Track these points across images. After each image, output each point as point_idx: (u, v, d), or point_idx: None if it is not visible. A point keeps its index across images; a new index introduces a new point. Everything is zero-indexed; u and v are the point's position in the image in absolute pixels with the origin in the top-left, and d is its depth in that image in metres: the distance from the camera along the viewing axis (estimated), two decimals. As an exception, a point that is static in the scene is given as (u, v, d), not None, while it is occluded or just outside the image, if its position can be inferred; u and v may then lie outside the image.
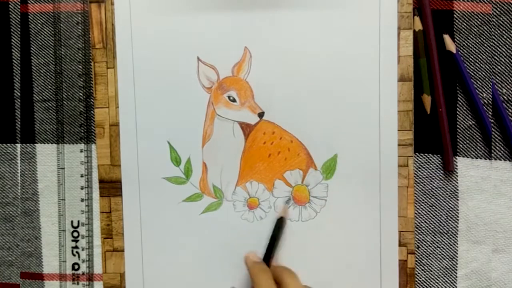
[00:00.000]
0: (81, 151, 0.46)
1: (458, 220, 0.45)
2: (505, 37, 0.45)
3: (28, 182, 0.47)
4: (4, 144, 0.47)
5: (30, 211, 0.47)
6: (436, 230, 0.45)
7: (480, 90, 0.45)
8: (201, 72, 0.45)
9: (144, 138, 0.45)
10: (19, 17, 0.46)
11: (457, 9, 0.45)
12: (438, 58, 0.44)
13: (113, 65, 0.45)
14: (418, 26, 0.44)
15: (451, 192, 0.45)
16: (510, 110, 0.45)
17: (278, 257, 0.45)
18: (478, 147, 0.45)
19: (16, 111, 0.47)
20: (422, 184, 0.45)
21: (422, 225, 0.45)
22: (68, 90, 0.46)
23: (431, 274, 0.46)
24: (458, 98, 0.45)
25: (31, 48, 0.46)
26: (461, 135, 0.45)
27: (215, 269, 0.46)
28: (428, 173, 0.45)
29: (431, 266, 0.46)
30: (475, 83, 0.45)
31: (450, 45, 0.44)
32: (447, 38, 0.44)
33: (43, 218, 0.47)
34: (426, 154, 0.45)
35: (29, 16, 0.46)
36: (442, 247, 0.45)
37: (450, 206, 0.45)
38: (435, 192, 0.45)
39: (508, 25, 0.45)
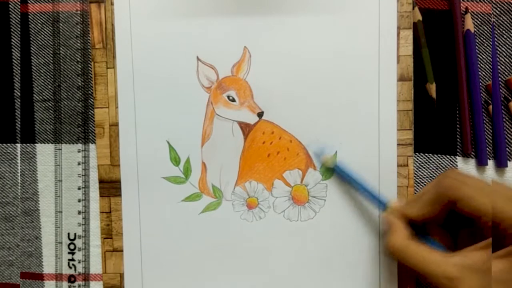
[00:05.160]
0: (79, 151, 0.46)
1: (457, 220, 0.45)
2: (505, 37, 0.45)
3: (28, 182, 0.47)
4: (4, 144, 0.47)
5: (30, 211, 0.47)
6: (436, 230, 0.45)
7: (480, 90, 0.45)
8: (201, 72, 0.45)
9: (144, 138, 0.45)
10: (19, 17, 0.46)
11: (457, 8, 0.45)
12: (461, 40, 0.44)
13: (113, 65, 0.45)
14: (418, 17, 0.44)
15: (451, 192, 0.45)
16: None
17: (277, 255, 0.45)
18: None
19: (16, 111, 0.47)
20: (422, 184, 0.45)
21: (422, 225, 0.45)
22: (68, 90, 0.46)
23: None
24: (460, 99, 0.45)
25: (31, 48, 0.46)
26: (461, 135, 0.45)
27: (214, 269, 0.46)
28: (428, 173, 0.45)
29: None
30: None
31: (470, 24, 0.44)
32: (468, 17, 0.44)
33: (43, 218, 0.47)
34: (426, 154, 0.45)
35: (29, 16, 0.46)
36: (442, 248, 0.45)
37: (450, 206, 0.45)
38: (435, 192, 0.45)
39: (508, 25, 0.45)
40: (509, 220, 0.33)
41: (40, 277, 0.47)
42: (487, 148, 0.45)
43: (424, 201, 0.38)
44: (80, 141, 0.46)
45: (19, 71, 0.46)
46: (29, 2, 0.46)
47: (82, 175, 0.46)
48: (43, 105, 0.46)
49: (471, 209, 0.35)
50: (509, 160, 0.45)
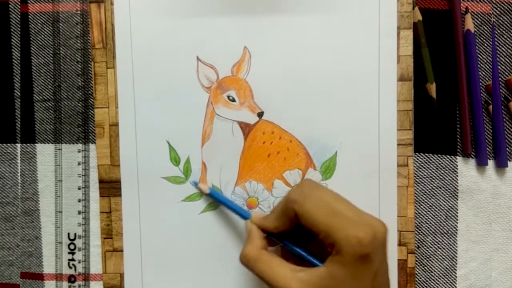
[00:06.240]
0: (79, 151, 0.46)
1: (457, 220, 0.45)
2: (505, 37, 0.45)
3: (28, 182, 0.47)
4: (4, 144, 0.47)
5: (30, 211, 0.47)
6: (436, 230, 0.45)
7: (480, 90, 0.45)
8: (201, 72, 0.45)
9: (144, 138, 0.45)
10: (19, 17, 0.46)
11: (457, 8, 0.45)
12: (461, 40, 0.44)
13: (113, 65, 0.45)
14: (418, 17, 0.44)
15: (451, 192, 0.45)
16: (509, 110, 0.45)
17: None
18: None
19: (16, 111, 0.47)
20: (422, 184, 0.45)
21: (422, 225, 0.45)
22: (68, 90, 0.46)
23: (432, 275, 0.45)
24: (460, 99, 0.45)
25: (31, 48, 0.46)
26: (461, 135, 0.45)
27: (214, 269, 0.46)
28: (428, 173, 0.45)
29: (432, 266, 0.45)
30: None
31: (470, 24, 0.44)
32: (468, 17, 0.44)
33: (43, 218, 0.47)
34: (426, 154, 0.45)
35: (29, 16, 0.46)
36: (443, 248, 0.45)
37: (450, 206, 0.45)
38: (435, 192, 0.45)
39: (508, 25, 0.45)
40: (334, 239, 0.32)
41: (40, 277, 0.47)
42: (487, 148, 0.45)
43: (276, 214, 0.37)
44: (80, 141, 0.46)
45: (19, 71, 0.46)
46: (29, 2, 0.46)
47: (82, 175, 0.46)
48: (43, 105, 0.46)
49: (308, 226, 0.33)
50: (509, 160, 0.45)
